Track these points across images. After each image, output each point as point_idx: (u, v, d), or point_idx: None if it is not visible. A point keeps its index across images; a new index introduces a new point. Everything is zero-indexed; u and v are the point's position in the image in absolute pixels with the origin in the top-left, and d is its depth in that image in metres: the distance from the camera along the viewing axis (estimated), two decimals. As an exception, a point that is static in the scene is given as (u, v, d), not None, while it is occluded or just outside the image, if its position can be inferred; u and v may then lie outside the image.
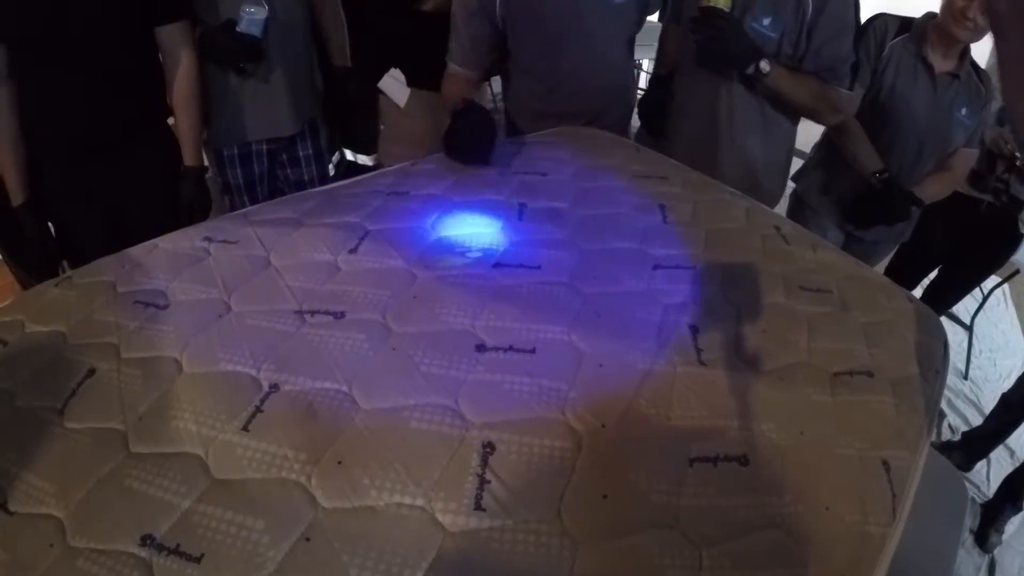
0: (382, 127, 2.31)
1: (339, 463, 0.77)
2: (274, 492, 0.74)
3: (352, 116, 2.24)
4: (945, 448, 2.56)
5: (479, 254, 1.17)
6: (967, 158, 2.06)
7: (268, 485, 0.75)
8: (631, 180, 1.54)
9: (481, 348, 0.94)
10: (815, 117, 1.87)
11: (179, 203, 1.80)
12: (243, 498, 0.74)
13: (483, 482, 0.74)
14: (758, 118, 1.82)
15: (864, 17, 1.88)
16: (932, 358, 1.15)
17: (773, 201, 2.03)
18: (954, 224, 2.32)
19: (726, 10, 1.60)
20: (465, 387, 0.87)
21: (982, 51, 1.97)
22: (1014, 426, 2.40)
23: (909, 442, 0.96)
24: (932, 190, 2.02)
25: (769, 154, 1.90)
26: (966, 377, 3.08)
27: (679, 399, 0.91)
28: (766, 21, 1.68)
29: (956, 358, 3.16)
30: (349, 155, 2.45)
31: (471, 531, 0.71)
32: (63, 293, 1.14)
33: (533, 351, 0.94)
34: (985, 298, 3.22)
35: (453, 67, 1.88)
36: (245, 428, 0.81)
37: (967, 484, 2.45)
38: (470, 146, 1.56)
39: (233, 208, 1.97)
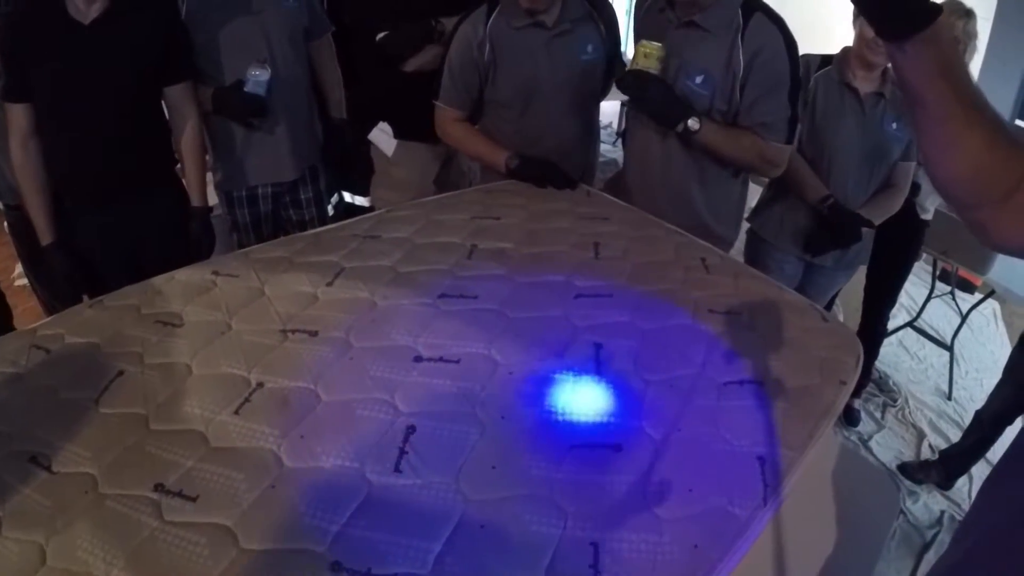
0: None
1: (301, 437, 1.04)
2: (253, 455, 1.01)
3: (349, 163, 2.51)
4: (923, 467, 2.66)
5: (429, 286, 1.44)
6: (907, 171, 2.18)
7: (249, 451, 1.02)
8: (576, 221, 1.79)
9: (418, 359, 1.21)
10: (752, 171, 1.99)
11: (188, 238, 2.06)
12: (231, 459, 1.01)
13: (403, 453, 1.01)
14: (695, 169, 1.94)
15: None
16: (839, 370, 1.27)
17: (728, 246, 2.11)
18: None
19: (654, 72, 1.73)
20: (401, 387, 1.14)
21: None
22: (990, 442, 2.48)
23: (792, 442, 1.08)
24: (880, 210, 2.15)
25: (711, 201, 2.00)
26: (950, 398, 3.16)
27: (571, 400, 1.14)
28: (698, 79, 1.79)
29: (940, 379, 3.24)
30: (348, 197, 2.74)
31: (389, 485, 0.97)
32: (96, 313, 1.41)
33: (458, 361, 1.21)
34: (963, 319, 3.28)
35: (444, 106, 2.11)
36: (236, 412, 1.09)
37: (947, 500, 2.56)
38: (546, 166, 2.01)
39: (241, 244, 2.24)
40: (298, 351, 1.23)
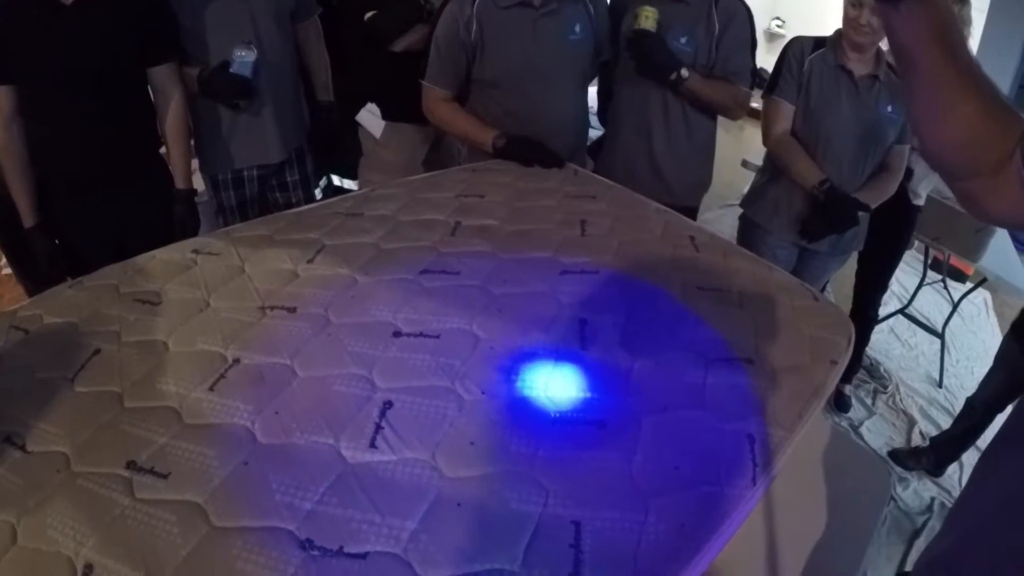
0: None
1: (276, 413, 1.02)
2: (226, 432, 0.99)
3: (336, 145, 2.49)
4: (914, 454, 2.64)
5: (411, 262, 1.41)
6: (901, 154, 2.16)
7: (223, 427, 1.00)
8: (562, 200, 1.77)
9: (397, 334, 1.19)
10: (726, 112, 2.23)
11: (173, 221, 2.04)
12: (204, 435, 0.98)
13: (379, 428, 0.99)
14: (682, 116, 2.20)
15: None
16: (830, 350, 1.25)
17: (703, 187, 2.42)
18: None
19: (653, 31, 1.99)
20: (379, 362, 1.12)
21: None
22: (981, 428, 2.45)
23: (782, 421, 1.07)
24: (876, 193, 2.12)
25: (693, 144, 2.27)
26: (940, 385, 3.15)
27: (555, 376, 1.11)
28: (683, 39, 2.09)
29: (931, 367, 3.24)
30: (336, 180, 2.71)
31: (365, 463, 0.95)
32: (75, 293, 1.38)
33: (438, 337, 1.18)
34: (955, 307, 3.26)
35: (430, 86, 2.11)
36: (211, 389, 1.07)
37: (937, 487, 2.55)
38: (533, 145, 2.04)
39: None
40: (275, 327, 1.21)
